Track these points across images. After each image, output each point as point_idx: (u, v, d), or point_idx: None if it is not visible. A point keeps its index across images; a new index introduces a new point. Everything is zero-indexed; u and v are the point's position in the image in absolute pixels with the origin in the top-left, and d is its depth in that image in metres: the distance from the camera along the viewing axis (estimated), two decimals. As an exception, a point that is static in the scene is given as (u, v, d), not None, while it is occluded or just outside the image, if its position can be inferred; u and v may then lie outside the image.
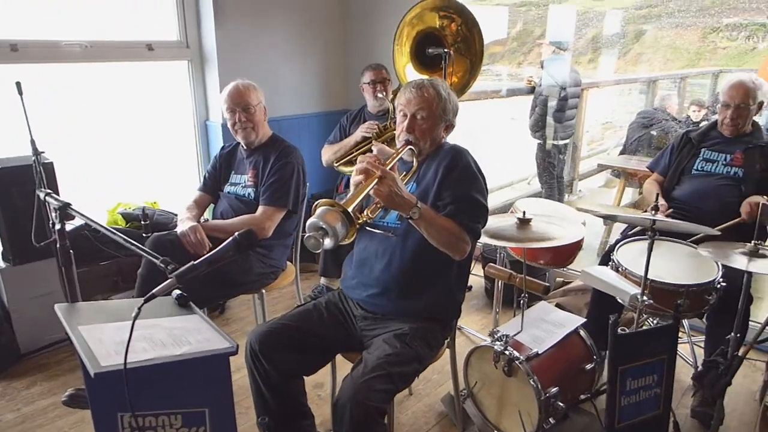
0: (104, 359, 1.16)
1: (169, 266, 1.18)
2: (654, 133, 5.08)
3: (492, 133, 7.72)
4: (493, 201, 4.59)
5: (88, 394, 1.37)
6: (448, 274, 1.81)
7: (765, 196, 2.23)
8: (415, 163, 1.81)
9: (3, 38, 2.60)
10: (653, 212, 1.80)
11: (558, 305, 2.80)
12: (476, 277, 3.44)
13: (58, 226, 1.36)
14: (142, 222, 2.44)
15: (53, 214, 1.37)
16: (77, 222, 1.76)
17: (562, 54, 5.18)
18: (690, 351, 2.54)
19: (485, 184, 1.81)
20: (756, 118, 2.52)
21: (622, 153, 5.49)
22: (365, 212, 1.65)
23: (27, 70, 2.72)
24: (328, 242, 1.41)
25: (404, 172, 1.81)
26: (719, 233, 1.98)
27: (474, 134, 5.86)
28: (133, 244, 1.28)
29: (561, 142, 5.24)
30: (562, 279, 3.36)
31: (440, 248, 1.67)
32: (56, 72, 2.90)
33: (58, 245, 1.37)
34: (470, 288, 3.41)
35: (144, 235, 2.39)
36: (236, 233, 1.21)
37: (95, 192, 3.21)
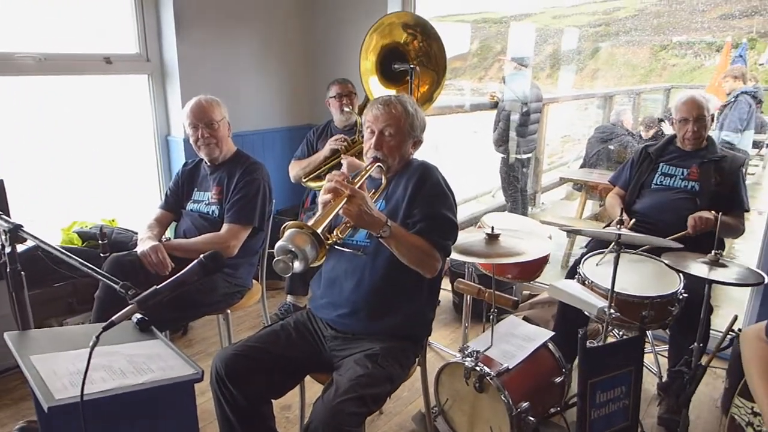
0: (59, 392, 1.09)
1: (129, 291, 1.12)
2: (612, 147, 5.24)
3: (456, 147, 7.82)
4: (459, 214, 4.65)
5: (40, 428, 1.28)
6: (419, 293, 1.79)
7: (713, 212, 2.30)
8: (384, 180, 1.80)
9: (-50, 50, 2.49)
10: (618, 226, 1.83)
11: (525, 318, 2.82)
12: (445, 291, 3.43)
13: (8, 249, 1.27)
14: (100, 241, 2.36)
15: (2, 237, 1.29)
16: (31, 243, 1.67)
17: (523, 70, 5.29)
18: (654, 360, 2.59)
19: (454, 200, 1.81)
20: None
21: (582, 166, 5.63)
22: (335, 232, 1.62)
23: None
24: (297, 265, 1.38)
25: (373, 190, 1.80)
26: (682, 246, 2.03)
27: (439, 148, 5.93)
28: (90, 268, 1.21)
29: (524, 156, 5.33)
30: (528, 292, 3.39)
31: (411, 266, 1.66)
32: (9, 85, 2.78)
33: (8, 269, 1.29)
34: (439, 303, 3.39)
35: (102, 255, 2.30)
36: (202, 255, 1.16)
37: (50, 210, 3.08)
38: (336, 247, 1.81)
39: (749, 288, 2.61)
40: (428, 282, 1.79)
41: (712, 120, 2.58)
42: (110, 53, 2.98)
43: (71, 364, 1.22)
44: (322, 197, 1.56)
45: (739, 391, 1.35)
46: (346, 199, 1.51)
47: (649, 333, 2.74)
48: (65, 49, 2.85)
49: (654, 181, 2.60)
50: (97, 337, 1.02)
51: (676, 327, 2.22)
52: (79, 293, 2.86)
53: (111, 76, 3.06)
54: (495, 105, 5.39)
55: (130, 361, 1.26)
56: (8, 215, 2.07)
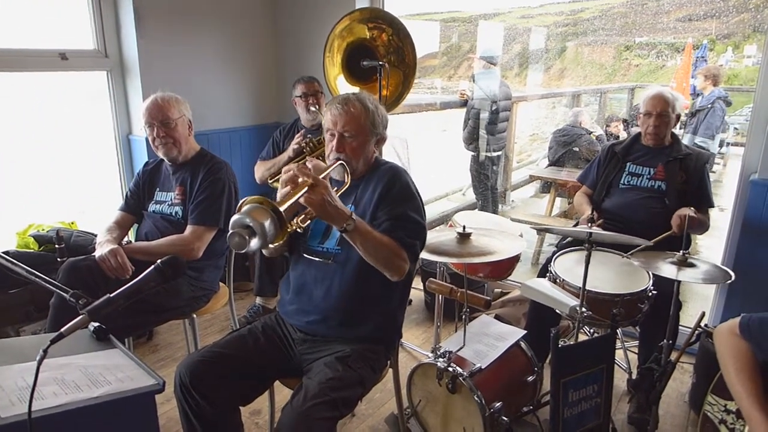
0: (4, 409, 1.02)
1: (80, 300, 1.05)
2: (576, 149, 5.30)
3: (427, 144, 7.83)
4: (429, 212, 4.63)
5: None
6: (389, 298, 1.75)
7: (692, 208, 2.33)
8: (347, 179, 1.73)
9: None
10: (590, 224, 1.83)
11: (497, 316, 2.82)
12: (416, 290, 3.42)
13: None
14: (57, 246, 2.25)
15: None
16: None
17: (492, 68, 5.31)
18: (624, 357, 2.62)
19: (422, 205, 1.77)
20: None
21: (549, 166, 5.69)
22: (296, 220, 1.51)
23: None
24: (255, 242, 1.27)
25: (336, 188, 1.74)
26: (652, 244, 2.04)
27: (409, 146, 5.92)
28: (38, 276, 1.13)
29: (494, 154, 5.36)
30: (500, 290, 3.40)
31: (378, 266, 1.60)
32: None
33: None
34: (410, 302, 3.38)
35: (59, 259, 2.20)
36: (159, 261, 1.09)
37: (4, 213, 2.93)
38: (305, 255, 1.76)
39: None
40: (399, 287, 1.75)
41: (677, 119, 2.61)
42: (66, 49, 2.85)
43: (20, 378, 1.14)
44: (281, 190, 1.49)
45: (712, 388, 1.36)
46: (307, 187, 1.44)
47: (618, 330, 2.78)
48: (17, 44, 2.71)
49: (622, 181, 2.62)
50: (45, 351, 0.95)
51: (645, 324, 2.24)
52: (36, 300, 2.72)
53: (67, 72, 2.94)
54: (465, 103, 5.40)
55: (85, 372, 1.19)
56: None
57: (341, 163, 1.71)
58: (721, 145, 6.46)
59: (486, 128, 5.26)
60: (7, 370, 1.16)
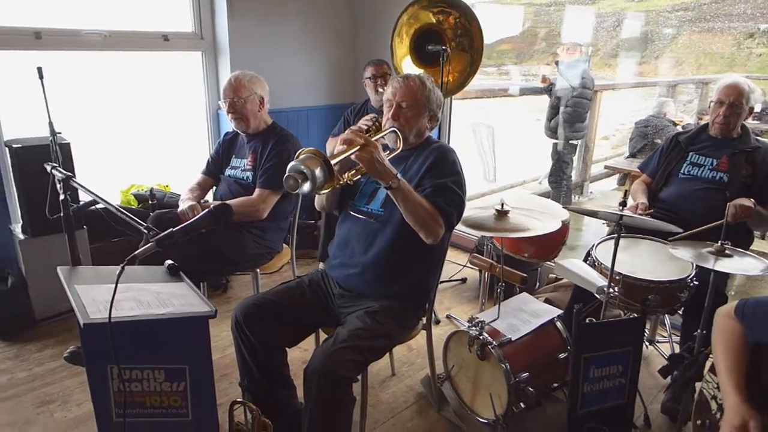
0: (94, 313, 1.30)
1: (150, 233, 1.32)
2: (658, 141, 5.08)
3: (517, 132, 7.75)
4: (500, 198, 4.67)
5: (82, 347, 1.52)
6: (423, 261, 1.92)
7: (752, 200, 2.28)
8: (399, 145, 1.90)
9: (28, 26, 2.79)
10: (621, 208, 1.88)
11: (547, 300, 2.89)
12: (472, 270, 3.54)
13: (62, 196, 1.50)
14: (150, 202, 2.62)
15: (58, 185, 1.52)
16: (88, 198, 1.92)
17: (577, 55, 5.21)
18: (670, 349, 2.60)
19: (464, 182, 1.91)
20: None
21: (629, 157, 5.51)
22: (347, 174, 1.72)
23: (49, 57, 2.90)
24: (306, 186, 1.48)
25: (387, 152, 1.90)
26: (682, 231, 2.03)
27: (497, 132, 5.95)
28: (120, 211, 1.42)
29: (573, 143, 5.29)
30: (554, 275, 3.43)
31: (415, 227, 1.75)
32: (77, 59, 3.08)
33: (62, 213, 1.52)
34: (465, 280, 3.51)
35: (151, 213, 2.56)
36: (212, 205, 1.34)
37: (111, 173, 3.40)
38: (352, 213, 1.97)
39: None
40: (433, 254, 1.91)
41: (750, 112, 2.52)
42: (168, 31, 3.24)
43: (107, 294, 1.43)
44: (337, 148, 1.68)
45: (710, 368, 1.40)
46: (359, 147, 1.63)
47: (667, 321, 2.76)
48: (128, 27, 3.12)
49: (681, 171, 2.57)
50: (122, 268, 1.22)
51: (686, 313, 2.24)
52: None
53: (168, 52, 3.33)
54: (547, 90, 5.34)
55: (157, 296, 1.47)
56: (73, 175, 2.37)
57: (394, 130, 1.88)
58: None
59: (565, 116, 5.19)
60: (101, 287, 1.46)
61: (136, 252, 1.27)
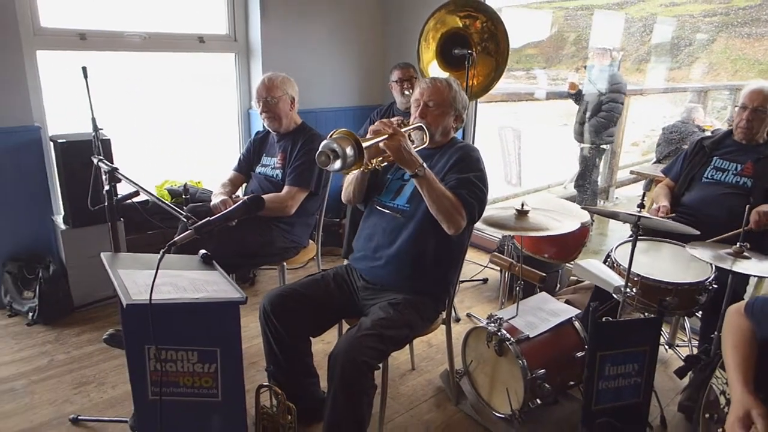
0: (136, 295, 1.41)
1: (189, 221, 1.42)
2: (686, 147, 5.03)
3: (545, 136, 7.75)
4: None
5: (122, 327, 1.63)
6: (444, 257, 1.99)
7: None
8: (426, 139, 1.98)
9: (73, 28, 2.95)
10: (639, 210, 1.91)
11: (567, 301, 2.92)
12: (493, 270, 3.58)
13: (107, 187, 1.62)
14: (183, 196, 2.74)
15: (104, 177, 1.63)
16: (126, 191, 2.05)
17: (607, 60, 5.22)
18: (690, 351, 2.61)
19: (487, 180, 1.98)
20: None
21: (656, 162, 5.47)
22: (375, 161, 1.82)
23: (93, 57, 3.06)
24: (337, 164, 1.58)
25: (414, 145, 1.97)
26: (700, 234, 2.05)
27: (524, 136, 5.98)
28: (162, 202, 1.53)
29: (604, 147, 5.30)
30: (575, 278, 3.45)
31: (438, 216, 1.83)
32: (118, 60, 3.24)
33: (106, 203, 1.64)
34: (486, 281, 3.56)
35: (183, 207, 2.69)
36: (246, 197, 1.43)
37: (146, 169, 3.55)
38: (377, 207, 2.05)
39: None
40: (454, 250, 1.98)
41: None
42: (203, 33, 3.38)
43: (147, 278, 1.53)
44: (367, 137, 1.76)
45: (720, 364, 1.44)
46: (387, 135, 1.72)
47: (687, 324, 2.77)
48: (166, 29, 3.27)
49: (705, 175, 2.59)
50: (163, 253, 1.31)
51: (705, 316, 2.25)
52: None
53: (203, 54, 3.47)
54: (574, 95, 5.35)
55: (192, 282, 1.57)
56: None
57: (420, 126, 1.97)
58: None
59: (599, 121, 5.19)
60: (141, 272, 1.57)
61: (175, 238, 1.37)
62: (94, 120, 2.46)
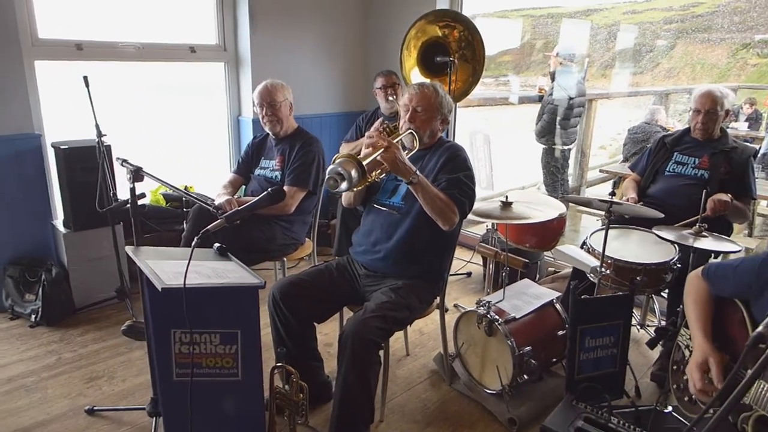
0: (168, 280, 1.55)
1: (219, 211, 1.57)
2: (650, 146, 5.36)
3: (514, 141, 8.05)
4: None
5: (150, 312, 1.76)
6: (437, 247, 2.17)
7: (729, 195, 2.54)
8: (416, 144, 2.16)
9: (71, 38, 3.06)
10: (610, 197, 2.14)
11: (546, 289, 3.14)
12: (476, 265, 3.80)
13: (130, 185, 1.76)
14: (184, 198, 2.87)
15: (128, 176, 1.77)
16: (122, 198, 2.18)
17: (570, 65, 5.52)
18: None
19: (474, 177, 2.17)
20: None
21: (623, 162, 5.80)
22: (374, 173, 2.00)
23: (89, 67, 3.16)
24: (344, 185, 1.75)
25: (405, 151, 2.15)
26: (663, 216, 2.29)
27: (494, 141, 6.22)
28: (192, 196, 1.67)
29: (565, 147, 5.58)
30: (553, 269, 3.69)
31: (433, 215, 2.01)
32: (113, 69, 3.35)
33: (130, 202, 1.77)
34: (470, 274, 3.76)
35: (184, 210, 2.82)
36: (269, 189, 1.60)
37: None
38: (376, 206, 2.23)
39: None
40: (446, 241, 2.18)
41: (726, 115, 2.79)
42: (194, 43, 3.51)
43: (173, 267, 1.68)
44: (364, 151, 1.94)
45: (684, 323, 1.66)
46: (383, 149, 1.90)
47: (656, 306, 3.01)
48: (158, 40, 3.39)
49: (667, 168, 2.84)
50: (198, 238, 1.46)
51: (671, 292, 2.49)
52: (163, 243, 3.41)
53: (194, 63, 3.60)
54: (540, 98, 5.64)
55: (214, 270, 1.72)
56: (113, 174, 2.63)
57: (411, 132, 2.14)
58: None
59: (560, 123, 5.49)
60: (166, 262, 1.71)
61: (208, 227, 1.51)
62: (97, 126, 2.60)
